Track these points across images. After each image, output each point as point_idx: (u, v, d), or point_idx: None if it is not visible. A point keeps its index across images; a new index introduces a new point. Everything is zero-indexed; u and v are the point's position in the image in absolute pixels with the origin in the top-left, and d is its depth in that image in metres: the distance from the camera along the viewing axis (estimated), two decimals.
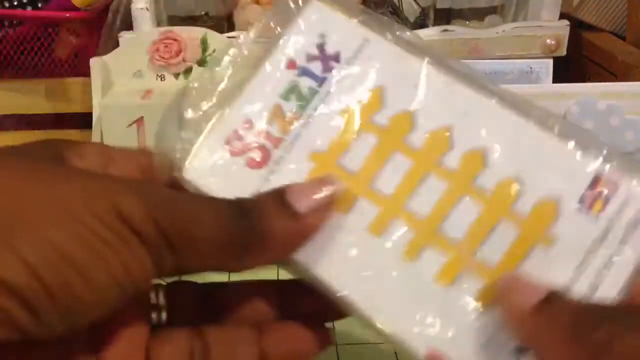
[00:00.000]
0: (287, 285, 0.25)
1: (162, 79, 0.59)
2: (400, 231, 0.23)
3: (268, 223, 0.21)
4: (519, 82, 0.52)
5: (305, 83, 0.24)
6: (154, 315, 0.24)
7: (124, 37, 0.59)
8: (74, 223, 0.18)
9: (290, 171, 0.23)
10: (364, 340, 0.42)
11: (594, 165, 0.22)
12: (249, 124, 0.24)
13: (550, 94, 0.48)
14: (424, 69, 0.24)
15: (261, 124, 0.24)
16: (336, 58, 0.24)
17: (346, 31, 0.25)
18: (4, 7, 0.60)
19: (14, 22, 0.59)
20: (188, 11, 0.65)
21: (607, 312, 0.20)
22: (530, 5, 0.61)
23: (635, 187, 0.22)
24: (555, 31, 0.60)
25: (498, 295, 0.22)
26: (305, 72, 0.24)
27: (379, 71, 0.24)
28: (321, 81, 0.24)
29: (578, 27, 0.65)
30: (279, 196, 0.22)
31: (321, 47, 0.24)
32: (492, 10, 0.66)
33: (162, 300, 0.24)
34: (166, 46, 0.58)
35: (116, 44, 0.59)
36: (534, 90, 0.49)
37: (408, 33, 0.25)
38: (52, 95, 0.61)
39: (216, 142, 0.24)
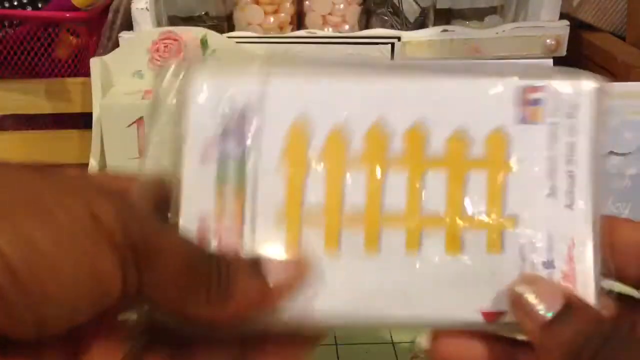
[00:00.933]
0: None
1: None
2: (393, 236, 0.23)
3: (236, 278, 0.21)
4: None
5: (230, 159, 0.24)
6: (130, 346, 0.23)
7: (124, 37, 0.59)
8: (46, 216, 0.18)
9: (266, 246, 0.23)
10: (363, 340, 0.42)
11: (513, 84, 0.23)
12: (204, 225, 0.23)
13: None
14: (330, 83, 0.24)
15: (215, 220, 0.23)
16: (243, 119, 0.24)
17: (241, 87, 0.24)
18: (4, 7, 0.60)
19: (14, 22, 0.59)
20: (188, 11, 0.66)
21: (609, 336, 0.20)
22: (530, 5, 0.61)
23: (556, 83, 0.23)
24: (555, 31, 0.60)
25: (514, 299, 0.22)
26: (223, 156, 0.24)
27: (289, 106, 0.24)
28: (243, 149, 0.24)
29: (578, 27, 0.65)
30: (254, 262, 0.22)
31: (225, 116, 0.24)
32: (492, 10, 0.66)
33: (137, 332, 0.24)
34: (166, 46, 0.58)
35: (116, 44, 0.59)
36: None
37: (303, 56, 0.24)
38: (52, 95, 0.61)
39: None
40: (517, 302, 0.22)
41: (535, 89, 0.23)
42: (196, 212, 0.23)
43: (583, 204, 0.23)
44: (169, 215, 0.24)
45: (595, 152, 0.23)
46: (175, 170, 0.24)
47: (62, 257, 0.18)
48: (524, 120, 0.23)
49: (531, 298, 0.22)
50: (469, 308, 0.23)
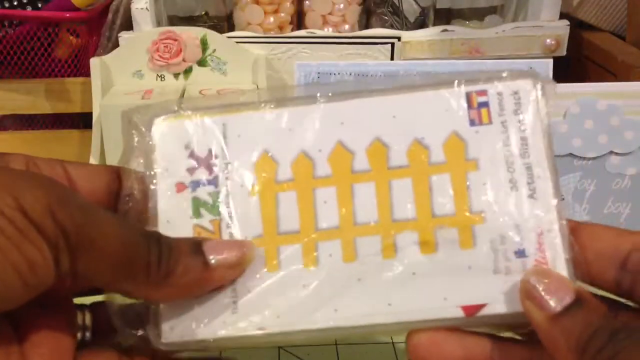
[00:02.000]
0: None
1: (162, 79, 0.59)
2: (368, 245, 0.24)
3: (177, 260, 0.22)
4: None
5: (203, 193, 0.25)
6: (79, 335, 0.24)
7: (124, 37, 0.59)
8: None
9: (247, 272, 0.24)
10: (364, 340, 0.42)
11: (460, 90, 0.25)
12: None
13: None
14: (284, 115, 0.25)
15: None
16: (211, 155, 0.25)
17: (203, 128, 0.25)
18: (4, 7, 0.60)
19: (14, 22, 0.59)
20: (188, 11, 0.65)
21: (617, 329, 0.20)
22: (530, 5, 0.61)
23: (497, 84, 0.25)
24: (555, 31, 0.60)
25: (525, 291, 0.22)
26: (196, 184, 0.25)
27: (252, 141, 0.25)
28: (214, 181, 0.25)
29: (578, 26, 0.65)
30: (196, 244, 0.23)
31: (192, 155, 0.25)
32: (492, 10, 0.66)
33: (87, 319, 0.25)
34: (166, 46, 0.58)
35: (116, 44, 0.59)
36: None
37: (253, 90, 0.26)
38: (52, 95, 0.61)
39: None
40: (528, 293, 0.22)
41: (479, 93, 0.25)
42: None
43: (544, 192, 0.24)
44: None
45: (546, 141, 0.24)
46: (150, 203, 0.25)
47: None
48: (474, 122, 0.24)
49: (542, 290, 0.22)
50: (449, 304, 0.23)
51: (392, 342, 0.42)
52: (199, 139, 0.25)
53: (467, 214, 0.24)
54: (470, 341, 0.23)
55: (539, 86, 0.25)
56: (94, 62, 0.56)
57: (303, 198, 0.25)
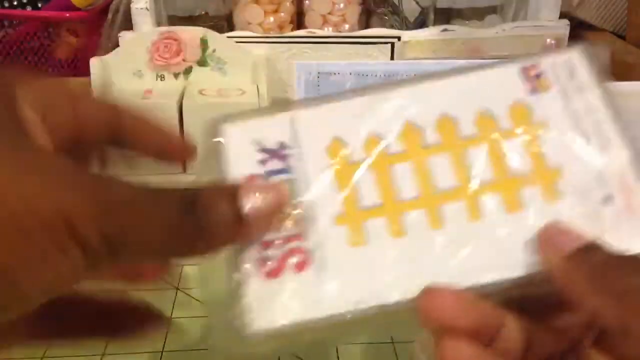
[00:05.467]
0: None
1: (162, 78, 0.59)
2: (453, 211, 0.24)
3: (214, 221, 0.21)
4: None
5: (275, 175, 0.25)
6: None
7: (124, 37, 0.59)
8: (8, 226, 0.17)
9: (333, 250, 0.24)
10: (364, 340, 0.42)
11: (514, 68, 0.27)
12: (265, 242, 0.24)
13: None
14: (357, 102, 0.26)
15: (274, 235, 0.24)
16: (283, 146, 0.25)
17: (272, 124, 0.26)
18: (4, 7, 0.60)
19: (14, 22, 0.59)
20: (188, 11, 0.66)
21: (636, 264, 0.21)
22: (530, 4, 0.61)
23: (549, 57, 0.27)
24: (555, 31, 0.60)
25: (538, 242, 0.23)
26: (270, 174, 0.25)
27: (322, 130, 0.26)
28: (288, 169, 0.25)
29: (578, 26, 0.65)
30: (231, 196, 0.22)
31: (263, 148, 0.25)
32: (492, 10, 0.66)
33: None
34: (166, 46, 0.58)
35: (116, 44, 0.59)
36: None
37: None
38: None
39: (255, 282, 0.23)
40: (543, 236, 0.23)
41: (533, 66, 0.26)
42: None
43: (615, 142, 0.25)
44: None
45: (606, 96, 0.26)
46: None
47: (19, 269, 0.17)
48: (535, 91, 0.26)
49: (557, 233, 0.23)
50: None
51: (392, 342, 0.42)
52: (268, 134, 0.26)
53: (546, 170, 0.25)
54: (487, 307, 0.23)
55: (582, 49, 0.26)
56: (94, 62, 0.56)
57: (380, 174, 0.25)
